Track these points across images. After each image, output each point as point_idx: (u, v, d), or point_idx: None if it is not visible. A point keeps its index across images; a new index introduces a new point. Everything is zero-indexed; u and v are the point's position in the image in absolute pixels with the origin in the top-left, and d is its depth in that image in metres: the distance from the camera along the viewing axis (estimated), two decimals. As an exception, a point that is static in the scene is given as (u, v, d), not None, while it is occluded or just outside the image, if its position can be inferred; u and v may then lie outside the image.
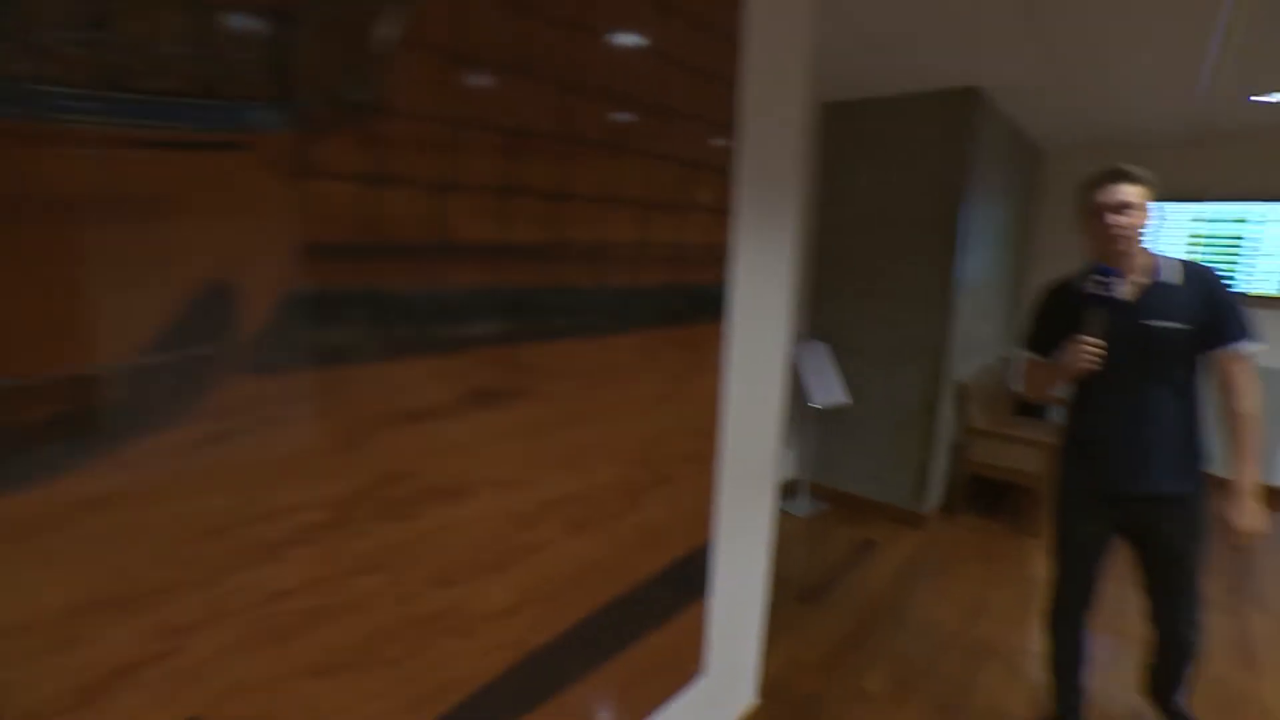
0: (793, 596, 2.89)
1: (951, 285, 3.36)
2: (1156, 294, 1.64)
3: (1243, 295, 4.24)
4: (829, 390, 3.54)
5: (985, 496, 3.98)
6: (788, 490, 3.96)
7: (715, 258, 1.42)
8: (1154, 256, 1.68)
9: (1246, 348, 1.63)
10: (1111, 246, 1.62)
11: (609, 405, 1.24)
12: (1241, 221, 4.24)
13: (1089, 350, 1.62)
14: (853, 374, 3.70)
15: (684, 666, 1.68)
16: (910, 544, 3.45)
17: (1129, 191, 1.60)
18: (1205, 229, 4.36)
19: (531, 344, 1.08)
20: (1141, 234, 1.64)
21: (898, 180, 3.45)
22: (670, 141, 1.27)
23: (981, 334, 3.96)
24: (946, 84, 3.17)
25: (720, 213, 1.43)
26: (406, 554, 0.98)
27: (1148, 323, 1.62)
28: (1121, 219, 1.60)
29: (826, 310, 3.80)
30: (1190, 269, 1.66)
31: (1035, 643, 2.51)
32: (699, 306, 1.41)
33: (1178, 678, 1.86)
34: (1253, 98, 3.23)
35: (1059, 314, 1.76)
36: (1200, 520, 1.68)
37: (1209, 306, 1.61)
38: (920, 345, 3.48)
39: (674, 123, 1.27)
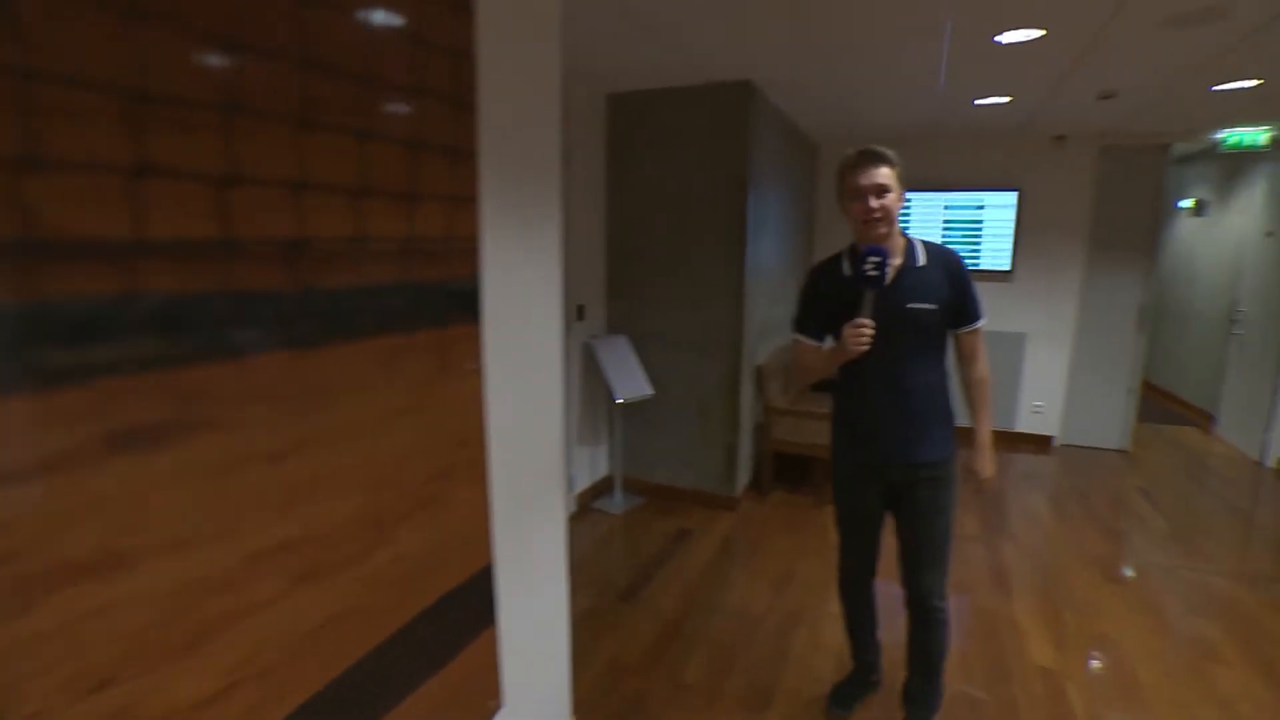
0: (614, 597, 2.83)
1: (743, 271, 3.48)
2: (911, 276, 1.72)
3: (980, 271, 4.89)
4: (633, 383, 3.52)
5: (790, 472, 4.21)
6: (602, 488, 3.91)
7: (462, 251, 1.27)
8: (906, 238, 1.78)
9: (981, 323, 1.79)
10: (873, 230, 1.67)
11: (332, 428, 1.05)
12: (981, 207, 4.89)
13: (865, 332, 1.65)
14: (655, 364, 3.72)
15: (477, 704, 1.51)
16: (724, 527, 3.55)
17: (884, 174, 1.65)
18: (954, 215, 4.97)
19: (201, 365, 0.85)
20: (896, 215, 1.71)
21: (685, 171, 3.51)
22: (387, 119, 1.09)
23: (775, 317, 4.18)
24: (721, 76, 3.27)
25: (465, 201, 1.28)
26: (21, 662, 0.73)
27: (907, 304, 1.70)
28: (880, 201, 1.66)
29: (624, 302, 3.79)
30: (932, 250, 1.77)
31: (836, 605, 2.66)
32: (446, 306, 1.24)
33: (933, 687, 1.96)
34: (976, 101, 3.70)
35: (826, 296, 1.81)
36: (953, 479, 1.82)
37: (953, 288, 1.73)
38: (718, 331, 3.58)
39: (391, 98, 1.10)
